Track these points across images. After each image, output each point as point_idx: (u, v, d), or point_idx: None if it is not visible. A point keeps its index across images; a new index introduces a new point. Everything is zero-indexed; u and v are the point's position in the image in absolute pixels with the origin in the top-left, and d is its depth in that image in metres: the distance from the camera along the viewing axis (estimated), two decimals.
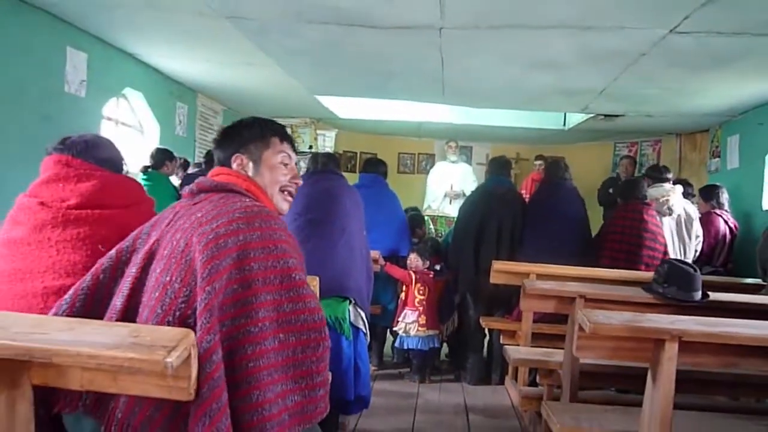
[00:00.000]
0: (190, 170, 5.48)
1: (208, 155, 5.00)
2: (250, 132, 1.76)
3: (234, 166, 1.71)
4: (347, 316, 2.74)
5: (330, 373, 1.54)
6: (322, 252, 2.76)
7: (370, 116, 7.67)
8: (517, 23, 3.62)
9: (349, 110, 7.50)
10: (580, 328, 1.82)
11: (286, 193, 1.77)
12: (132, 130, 5.69)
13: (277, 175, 1.74)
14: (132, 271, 1.49)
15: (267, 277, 1.43)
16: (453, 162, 7.42)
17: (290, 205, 1.81)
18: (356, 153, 9.07)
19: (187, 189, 1.67)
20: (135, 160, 5.57)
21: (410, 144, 9.39)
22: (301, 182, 1.82)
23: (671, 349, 1.72)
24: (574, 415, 2.16)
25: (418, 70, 4.82)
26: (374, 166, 4.67)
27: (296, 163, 1.86)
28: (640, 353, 1.83)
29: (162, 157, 5.00)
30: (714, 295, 2.89)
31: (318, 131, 8.03)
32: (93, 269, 1.53)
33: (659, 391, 1.76)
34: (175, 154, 5.25)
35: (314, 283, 2.17)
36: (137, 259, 1.50)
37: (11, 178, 3.91)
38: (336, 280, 2.72)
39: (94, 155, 1.76)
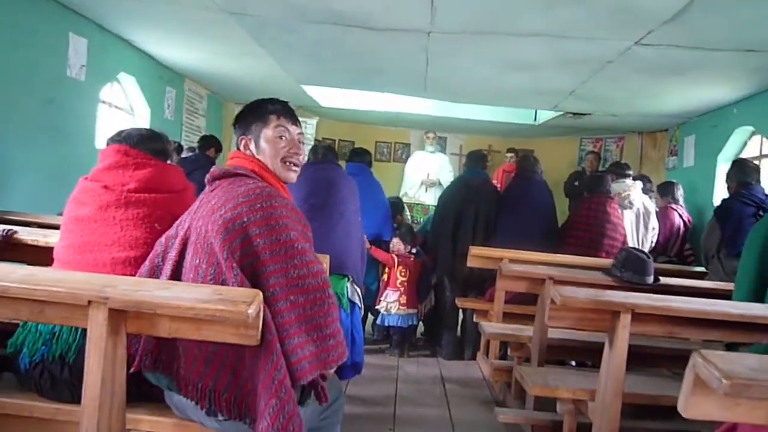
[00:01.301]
0: (184, 154, 5.70)
1: (202, 140, 5.23)
2: (252, 114, 1.96)
3: (241, 147, 1.95)
4: (345, 292, 3.08)
5: (340, 327, 1.82)
6: (322, 234, 3.07)
7: (350, 105, 7.96)
8: (499, 31, 3.98)
9: (331, 99, 7.76)
10: (552, 302, 2.20)
11: (288, 163, 1.92)
12: (123, 113, 5.87)
13: (276, 149, 1.90)
14: (171, 255, 1.79)
15: (273, 250, 1.67)
16: (431, 152, 7.76)
17: (297, 174, 1.97)
18: (335, 140, 9.35)
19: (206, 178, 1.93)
20: None
21: (387, 133, 9.71)
22: (302, 152, 1.99)
23: (625, 319, 2.11)
24: (543, 376, 2.55)
25: (403, 67, 5.15)
26: (360, 156, 4.97)
27: (300, 133, 2.00)
28: (600, 323, 2.22)
29: None
30: (664, 280, 3.34)
31: (300, 118, 8.25)
32: (150, 256, 1.83)
33: (615, 354, 2.15)
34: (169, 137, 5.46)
35: (325, 260, 2.50)
36: (175, 245, 1.80)
37: (18, 156, 4.14)
38: (335, 260, 3.04)
39: (148, 146, 2.05)
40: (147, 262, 1.83)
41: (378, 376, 4.12)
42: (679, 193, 5.38)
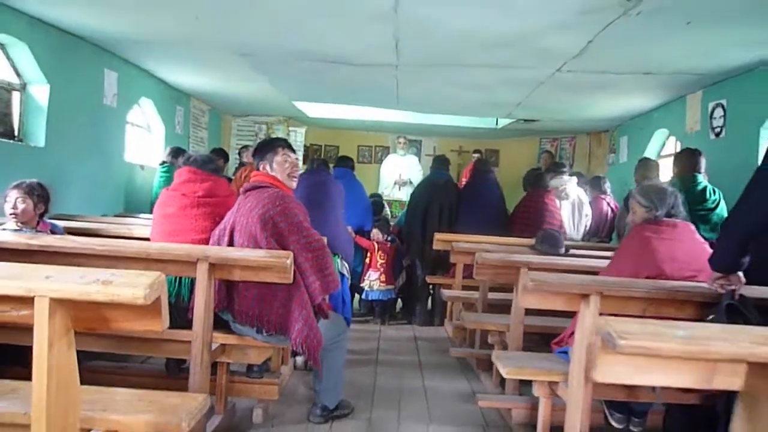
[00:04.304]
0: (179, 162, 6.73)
1: (213, 152, 6.29)
2: (266, 148, 3.08)
3: (261, 168, 3.06)
4: (337, 266, 4.16)
5: (334, 269, 2.95)
6: (319, 224, 4.10)
7: (334, 115, 9.04)
8: (452, 63, 5.10)
9: (317, 111, 8.84)
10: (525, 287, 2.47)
11: (290, 176, 3.04)
12: (142, 131, 6.91)
13: (283, 168, 3.03)
14: (225, 239, 2.88)
15: (290, 228, 2.81)
16: (401, 155, 8.81)
17: (296, 183, 3.10)
18: (321, 146, 10.46)
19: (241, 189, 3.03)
20: (146, 154, 6.84)
21: (368, 138, 10.81)
22: (298, 169, 3.10)
23: (595, 301, 2.27)
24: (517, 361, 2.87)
25: (378, 89, 6.26)
26: (344, 162, 6.05)
27: (296, 158, 3.14)
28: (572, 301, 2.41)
29: (176, 153, 6.25)
30: (577, 252, 4.46)
31: (290, 128, 9.34)
32: (211, 240, 2.91)
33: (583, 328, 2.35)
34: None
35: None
36: (226, 233, 2.89)
37: (71, 169, 5.17)
38: (329, 242, 4.10)
39: (207, 167, 3.12)
40: (211, 242, 2.91)
41: (364, 338, 5.22)
42: (606, 185, 6.50)
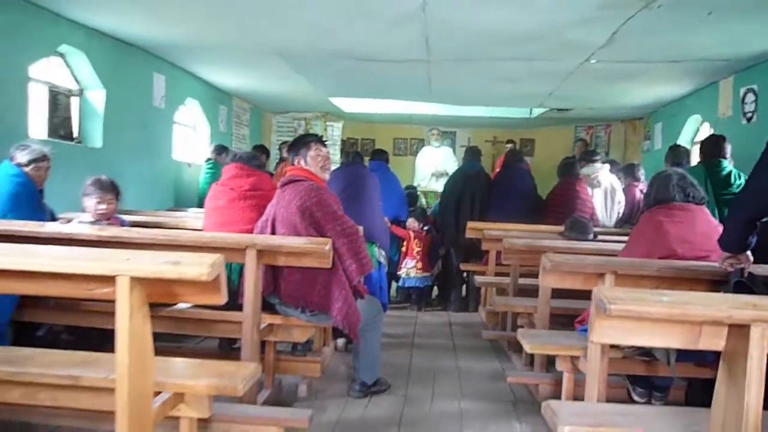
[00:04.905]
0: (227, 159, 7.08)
1: (255, 149, 6.64)
2: (300, 144, 3.33)
3: (296, 163, 3.31)
4: (375, 254, 4.41)
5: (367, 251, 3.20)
6: (356, 214, 4.33)
7: (370, 110, 9.29)
8: (483, 57, 5.27)
9: (353, 105, 9.10)
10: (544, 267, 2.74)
11: (323, 168, 3.27)
12: (188, 129, 7.30)
13: (317, 162, 3.26)
14: (267, 229, 3.15)
15: (325, 218, 3.05)
16: (436, 147, 8.97)
17: (329, 174, 3.36)
18: (358, 139, 10.74)
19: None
20: (192, 152, 7.22)
21: (403, 130, 11.03)
22: (330, 161, 3.35)
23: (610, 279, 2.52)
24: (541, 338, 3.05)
25: (411, 83, 6.48)
26: (379, 155, 6.29)
27: (327, 151, 3.41)
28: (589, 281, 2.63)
29: (219, 150, 6.61)
30: (607, 238, 4.59)
31: (327, 123, 9.64)
32: (256, 230, 3.19)
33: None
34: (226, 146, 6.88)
35: (360, 231, 3.83)
36: (268, 224, 3.16)
37: (126, 168, 5.55)
38: (366, 232, 4.34)
39: (252, 163, 3.41)
40: (255, 232, 3.19)
41: (401, 323, 5.46)
42: (640, 172, 6.56)
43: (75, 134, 5.15)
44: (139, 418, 1.83)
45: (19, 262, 1.68)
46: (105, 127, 5.23)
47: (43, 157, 3.30)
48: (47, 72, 4.78)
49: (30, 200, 3.18)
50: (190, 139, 7.36)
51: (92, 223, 3.30)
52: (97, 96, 5.17)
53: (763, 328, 1.40)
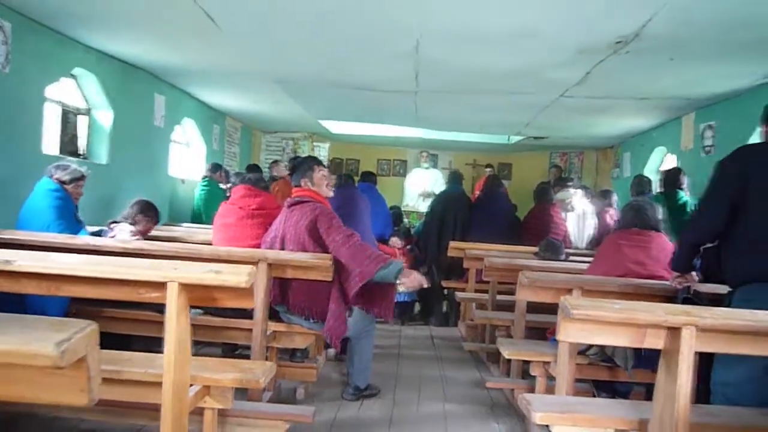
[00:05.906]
0: (233, 179, 7.39)
1: (248, 169, 6.97)
2: (305, 167, 3.69)
3: (302, 185, 3.66)
4: None
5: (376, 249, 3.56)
6: None
7: (356, 132, 9.67)
8: (468, 90, 5.71)
9: (340, 127, 9.47)
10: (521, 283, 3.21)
11: (327, 186, 3.71)
12: (183, 147, 7.60)
13: (321, 182, 3.66)
14: (276, 245, 3.49)
15: (329, 230, 3.38)
16: (425, 168, 9.38)
17: (332, 191, 3.74)
18: (344, 159, 11.12)
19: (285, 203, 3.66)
20: (186, 169, 7.51)
21: (387, 152, 11.45)
22: (333, 181, 3.75)
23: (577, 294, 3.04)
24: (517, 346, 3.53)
25: (399, 110, 6.90)
26: (368, 177, 6.69)
27: (327, 172, 3.78)
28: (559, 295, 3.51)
29: (215, 168, 6.93)
30: (577, 259, 5.01)
31: (314, 143, 10.01)
32: (263, 245, 3.52)
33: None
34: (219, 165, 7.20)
35: None
36: (276, 240, 3.50)
37: (127, 184, 5.84)
38: None
39: (259, 185, 3.76)
40: (262, 246, 3.53)
41: (386, 335, 5.79)
42: (614, 198, 7.02)
43: (81, 150, 5.44)
44: (179, 407, 2.14)
45: (89, 269, 2.00)
46: (110, 145, 5.52)
47: (82, 177, 3.65)
48: (60, 92, 5.09)
49: (69, 214, 3.52)
50: (184, 156, 7.66)
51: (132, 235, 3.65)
52: (106, 115, 5.48)
53: (691, 330, 1.79)
